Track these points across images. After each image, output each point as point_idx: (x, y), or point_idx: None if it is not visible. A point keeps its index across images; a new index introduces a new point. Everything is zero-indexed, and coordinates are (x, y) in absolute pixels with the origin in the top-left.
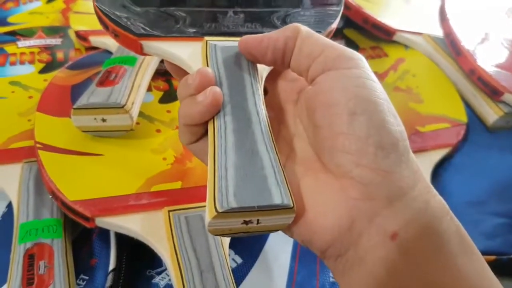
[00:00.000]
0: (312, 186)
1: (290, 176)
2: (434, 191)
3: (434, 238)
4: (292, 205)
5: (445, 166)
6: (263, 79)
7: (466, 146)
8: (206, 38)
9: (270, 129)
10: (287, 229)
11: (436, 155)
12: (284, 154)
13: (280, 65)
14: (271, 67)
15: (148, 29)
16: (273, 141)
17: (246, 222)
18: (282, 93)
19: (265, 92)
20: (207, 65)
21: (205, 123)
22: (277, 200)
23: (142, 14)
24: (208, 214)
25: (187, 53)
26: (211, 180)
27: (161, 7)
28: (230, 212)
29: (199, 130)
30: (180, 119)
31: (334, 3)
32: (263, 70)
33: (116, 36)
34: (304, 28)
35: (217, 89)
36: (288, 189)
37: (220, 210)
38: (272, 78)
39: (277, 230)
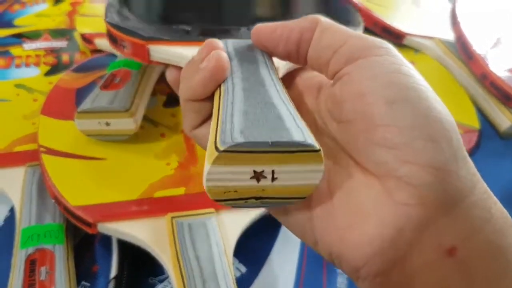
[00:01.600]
0: (345, 184)
1: None
2: (494, 197)
3: (499, 256)
4: (318, 147)
5: None
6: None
7: (478, 153)
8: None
9: (289, 98)
10: (310, 234)
11: None
12: None
13: (295, 59)
14: (288, 66)
15: (156, 35)
16: (292, 102)
17: (257, 176)
18: (299, 93)
19: None
20: None
21: (210, 98)
22: (297, 137)
23: (152, 28)
24: (208, 160)
25: None
26: (213, 128)
27: (173, 24)
28: (236, 153)
29: (203, 108)
30: (181, 95)
31: (354, 24)
32: (280, 67)
33: (123, 47)
34: (324, 19)
35: (222, 53)
36: (312, 135)
37: (221, 148)
38: (288, 79)
39: (302, 198)
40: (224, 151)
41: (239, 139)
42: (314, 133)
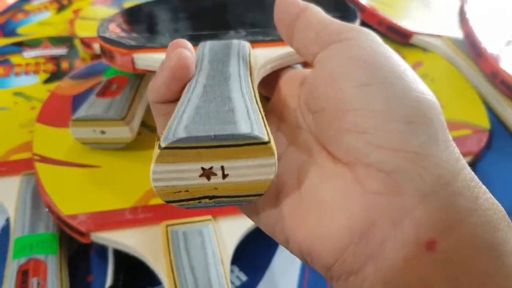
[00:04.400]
0: (315, 178)
1: (286, 163)
2: (483, 186)
3: (487, 252)
4: (267, 139)
5: None
6: (259, 76)
7: (489, 154)
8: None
9: (256, 93)
10: (280, 233)
11: None
12: (281, 145)
13: (285, 36)
14: (272, 65)
15: (140, 44)
16: (255, 97)
17: (207, 174)
18: (283, 92)
19: (267, 98)
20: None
21: (176, 101)
22: (244, 129)
23: (140, 38)
24: (153, 159)
25: None
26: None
27: (161, 34)
28: (179, 149)
29: (171, 111)
30: (148, 98)
31: (350, 19)
32: (266, 65)
33: (111, 58)
34: (314, 6)
35: (184, 51)
36: (265, 126)
37: (163, 145)
38: (275, 78)
39: (257, 196)
40: (165, 147)
41: (181, 134)
42: (294, 129)
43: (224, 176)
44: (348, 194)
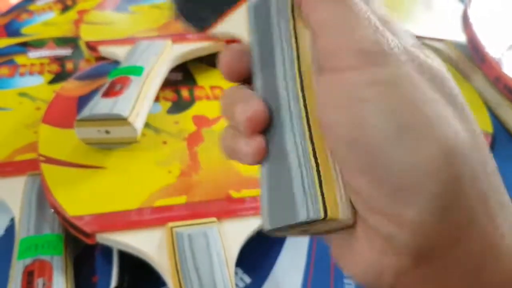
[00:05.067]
0: None
1: None
2: (504, 228)
3: None
4: (322, 215)
5: None
6: None
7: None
8: None
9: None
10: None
11: None
12: None
13: None
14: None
15: None
16: (311, 139)
17: (303, 231)
18: None
19: None
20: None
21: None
22: (302, 216)
23: None
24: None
25: None
26: None
27: None
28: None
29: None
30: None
31: None
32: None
33: None
34: None
35: (258, 108)
36: (321, 193)
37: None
38: None
39: (342, 229)
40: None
41: (267, 226)
42: None
43: (312, 228)
44: (362, 243)
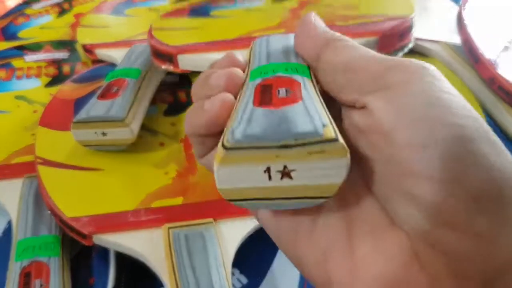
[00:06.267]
0: (369, 240)
1: (328, 210)
2: None
3: None
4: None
5: None
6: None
7: None
8: None
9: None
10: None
11: None
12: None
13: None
14: None
15: None
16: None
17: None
18: None
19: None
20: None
21: (217, 134)
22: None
23: None
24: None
25: None
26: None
27: None
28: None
29: (209, 141)
30: (185, 127)
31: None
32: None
33: None
34: (338, 35)
35: (228, 96)
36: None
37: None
38: None
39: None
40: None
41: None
42: None
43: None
44: (407, 271)
